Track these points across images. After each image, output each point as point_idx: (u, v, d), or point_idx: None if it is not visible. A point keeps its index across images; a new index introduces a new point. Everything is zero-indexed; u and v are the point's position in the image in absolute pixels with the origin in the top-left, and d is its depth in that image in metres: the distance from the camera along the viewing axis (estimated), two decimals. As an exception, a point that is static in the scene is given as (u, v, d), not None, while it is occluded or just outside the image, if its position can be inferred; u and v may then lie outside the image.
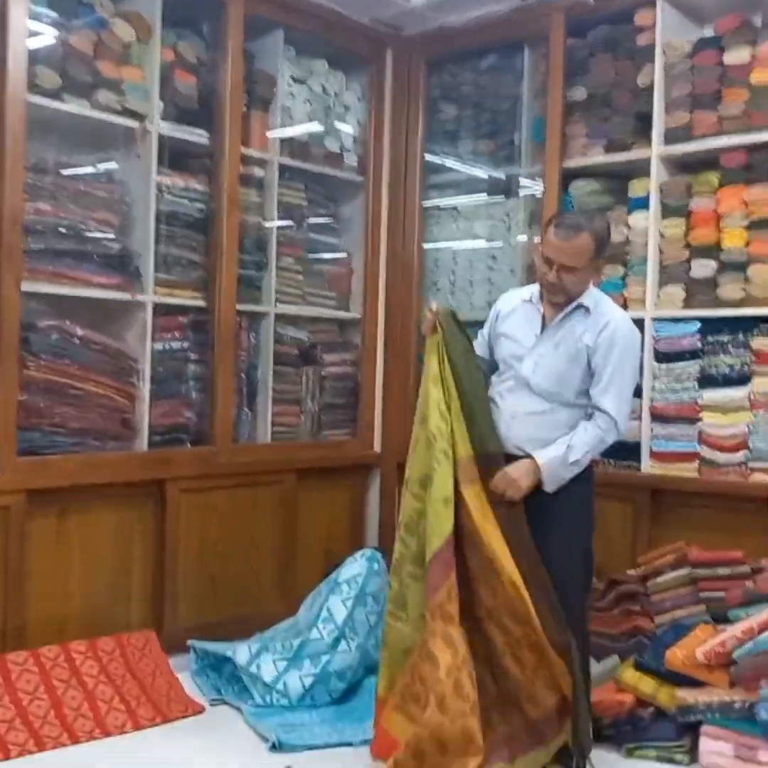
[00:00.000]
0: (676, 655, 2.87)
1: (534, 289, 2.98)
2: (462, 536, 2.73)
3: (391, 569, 2.95)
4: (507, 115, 4.31)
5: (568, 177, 3.98)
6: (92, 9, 3.44)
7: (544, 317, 2.91)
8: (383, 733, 2.80)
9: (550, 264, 2.82)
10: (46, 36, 3.31)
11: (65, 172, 3.44)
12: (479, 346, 3.08)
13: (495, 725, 2.67)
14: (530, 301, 2.96)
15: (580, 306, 2.88)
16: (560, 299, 2.87)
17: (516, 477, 2.75)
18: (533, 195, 4.22)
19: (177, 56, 3.72)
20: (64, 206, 3.39)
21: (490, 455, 2.83)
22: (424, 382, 2.90)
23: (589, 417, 2.83)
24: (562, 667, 2.63)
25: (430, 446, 2.79)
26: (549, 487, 2.77)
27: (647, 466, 3.66)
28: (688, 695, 2.79)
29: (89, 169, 3.55)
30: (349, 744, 2.96)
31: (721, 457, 3.49)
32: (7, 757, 2.76)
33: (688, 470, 3.57)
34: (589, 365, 2.83)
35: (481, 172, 4.44)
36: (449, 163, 4.51)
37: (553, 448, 2.77)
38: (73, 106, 3.36)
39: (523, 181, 4.28)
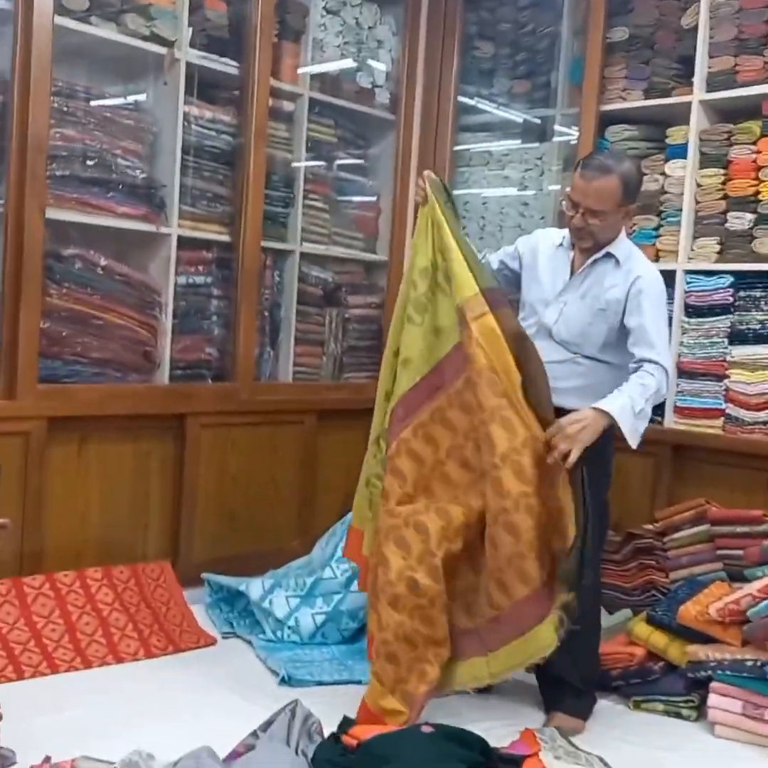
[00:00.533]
0: (689, 611, 2.85)
1: (566, 233, 2.89)
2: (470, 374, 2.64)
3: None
4: (545, 54, 4.21)
5: (606, 121, 3.87)
6: (123, -71, 3.36)
7: (573, 263, 2.84)
8: (371, 640, 2.76)
9: (576, 207, 2.73)
10: (76, -44, 3.24)
11: (92, 98, 3.38)
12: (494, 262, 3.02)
13: (464, 618, 2.65)
14: (561, 245, 2.89)
15: (609, 255, 2.80)
16: (588, 244, 2.79)
17: (575, 431, 2.53)
18: (568, 141, 4.12)
19: (208, -19, 3.63)
20: (89, 133, 3.34)
21: (494, 289, 2.71)
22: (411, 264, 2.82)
23: (634, 372, 2.68)
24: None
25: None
26: (633, 442, 2.61)
27: (671, 420, 3.61)
28: (699, 651, 2.78)
29: (116, 97, 3.50)
30: (359, 682, 2.96)
31: (746, 415, 3.43)
32: (21, 678, 2.80)
33: (712, 427, 3.52)
34: (621, 321, 2.74)
35: (515, 115, 4.34)
36: (483, 104, 4.41)
37: (615, 398, 2.59)
38: (100, 30, 3.29)
39: (558, 127, 4.18)
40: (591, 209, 2.71)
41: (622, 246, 2.83)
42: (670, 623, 2.90)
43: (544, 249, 2.92)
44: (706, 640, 2.81)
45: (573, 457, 2.50)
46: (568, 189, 2.85)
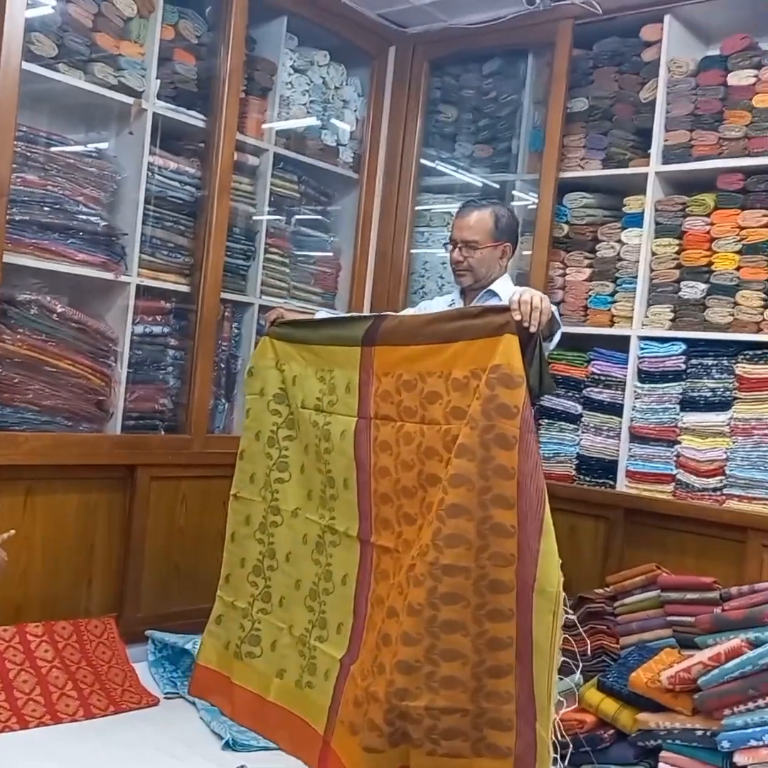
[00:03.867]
0: (640, 678, 2.84)
1: (455, 294, 3.13)
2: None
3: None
4: (506, 121, 4.28)
5: (564, 188, 3.96)
6: (94, -21, 3.37)
7: None
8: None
9: (455, 244, 2.98)
10: (45, 5, 3.24)
11: (56, 144, 3.36)
12: None
13: None
14: (452, 302, 3.10)
15: (491, 292, 2.97)
16: (469, 281, 2.99)
17: (530, 293, 2.39)
18: (526, 206, 4.19)
19: (177, 35, 3.65)
20: (52, 179, 3.31)
21: (371, 328, 2.76)
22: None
23: None
24: None
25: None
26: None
27: (623, 484, 3.65)
28: (649, 719, 2.76)
29: (81, 145, 3.48)
30: (305, 746, 2.89)
31: (696, 481, 3.47)
32: (-47, 739, 2.69)
33: (663, 492, 3.56)
34: None
35: (475, 179, 4.40)
36: (444, 166, 4.48)
37: None
38: (68, 76, 3.29)
39: (517, 192, 4.25)
40: (465, 240, 2.96)
41: (505, 284, 3.00)
42: (620, 690, 2.88)
43: (439, 306, 3.12)
44: (657, 707, 2.79)
45: (547, 302, 2.39)
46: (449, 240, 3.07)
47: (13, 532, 2.62)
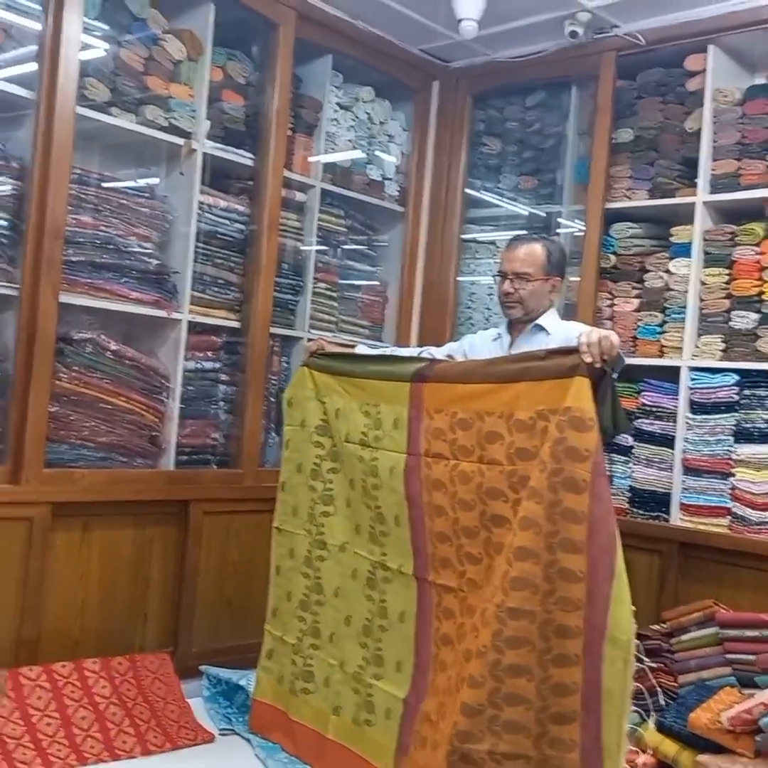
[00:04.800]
0: (699, 718, 2.79)
1: (501, 327, 3.10)
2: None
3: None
4: (550, 153, 4.29)
5: (610, 219, 3.95)
6: (145, 24, 3.44)
7: (509, 348, 3.01)
8: None
9: (504, 276, 2.97)
10: (98, 49, 3.32)
11: (108, 185, 3.43)
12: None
13: None
14: (498, 335, 3.08)
15: (538, 326, 2.96)
16: (518, 313, 2.97)
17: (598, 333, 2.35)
18: (572, 234, 4.20)
19: (226, 76, 3.72)
20: (105, 219, 3.38)
21: (424, 368, 2.77)
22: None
23: None
24: None
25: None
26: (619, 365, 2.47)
27: (677, 518, 3.60)
28: (710, 761, 2.72)
29: (132, 184, 3.55)
30: (360, 784, 2.88)
31: (753, 514, 3.42)
32: (13, 776, 2.72)
33: (718, 525, 3.51)
34: None
35: (521, 209, 4.42)
36: (489, 197, 4.49)
37: None
38: (120, 119, 3.37)
39: (563, 220, 4.25)
40: (517, 272, 2.94)
41: (552, 319, 2.99)
42: (680, 731, 2.84)
43: (484, 341, 3.12)
44: (718, 749, 2.75)
45: (616, 339, 2.33)
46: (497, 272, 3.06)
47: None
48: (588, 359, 2.31)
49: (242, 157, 3.76)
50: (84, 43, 3.19)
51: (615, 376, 2.44)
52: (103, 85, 3.31)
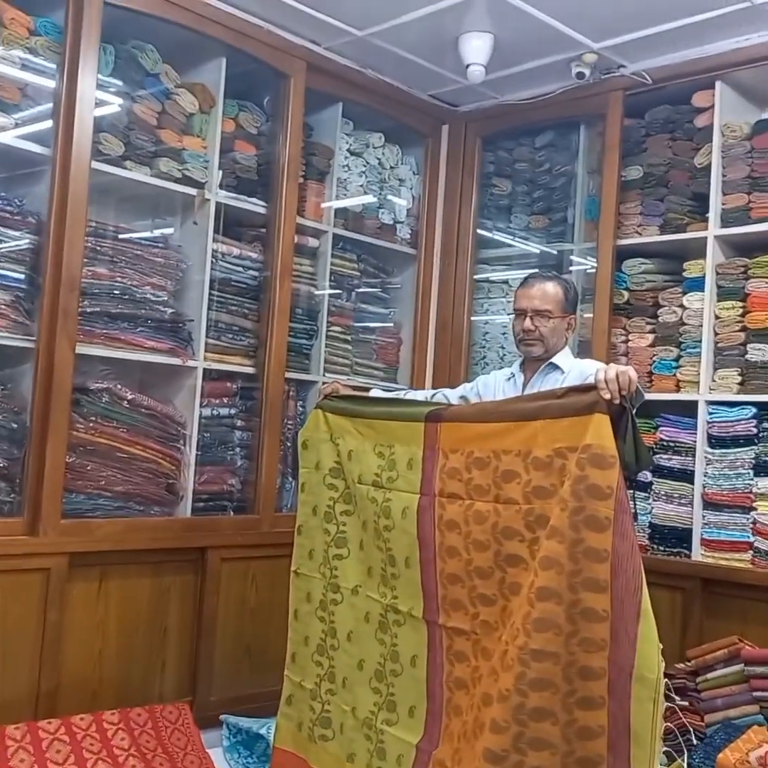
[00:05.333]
0: (728, 759, 2.73)
1: (515, 366, 3.10)
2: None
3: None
4: (561, 191, 4.32)
5: (622, 255, 3.96)
6: (157, 79, 3.52)
7: (523, 387, 3.00)
8: None
9: (523, 313, 2.95)
10: (112, 105, 3.39)
11: (123, 236, 3.49)
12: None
13: None
14: (512, 375, 3.07)
15: (553, 365, 2.96)
16: (539, 351, 2.96)
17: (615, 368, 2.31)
18: (584, 271, 4.21)
19: (237, 127, 3.79)
20: (120, 270, 3.44)
21: (439, 409, 2.76)
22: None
23: None
24: None
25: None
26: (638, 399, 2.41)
27: (698, 553, 3.56)
28: (740, 802, 2.66)
29: (147, 234, 3.60)
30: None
31: (776, 548, 3.38)
32: (33, 831, 2.70)
33: (740, 560, 3.47)
34: None
35: (532, 248, 4.44)
36: (501, 237, 4.52)
37: None
38: (134, 173, 3.43)
39: (575, 257, 4.27)
40: (537, 310, 2.93)
41: (566, 358, 2.99)
42: (708, 772, 2.79)
43: (497, 381, 3.12)
44: (748, 791, 2.69)
45: (633, 375, 2.28)
46: (513, 310, 3.05)
47: None
48: (606, 396, 2.28)
49: (255, 205, 3.81)
50: (98, 99, 3.26)
51: (634, 411, 2.42)
52: (118, 140, 3.38)
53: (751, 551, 3.45)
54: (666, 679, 2.21)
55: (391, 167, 4.36)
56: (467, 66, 3.76)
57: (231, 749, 3.37)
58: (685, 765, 2.90)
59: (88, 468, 3.28)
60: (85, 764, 2.91)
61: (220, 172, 3.67)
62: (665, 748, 3.01)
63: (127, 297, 3.44)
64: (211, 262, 3.63)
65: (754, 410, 3.51)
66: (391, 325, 4.48)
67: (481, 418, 2.61)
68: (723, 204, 3.70)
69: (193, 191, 3.59)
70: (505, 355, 4.36)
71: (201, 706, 3.44)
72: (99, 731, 3.01)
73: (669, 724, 3.08)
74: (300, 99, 3.83)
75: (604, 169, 3.98)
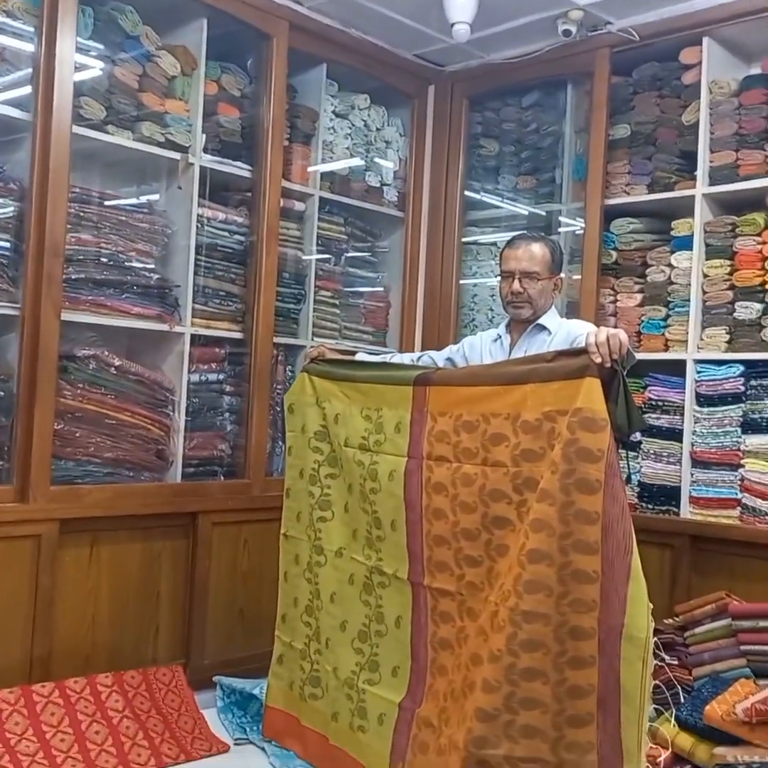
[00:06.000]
0: (715, 711, 2.77)
1: (501, 327, 3.08)
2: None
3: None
4: (548, 151, 4.29)
5: (610, 215, 3.94)
6: (138, 42, 3.47)
7: (510, 349, 2.99)
8: None
9: (511, 275, 2.93)
10: (92, 68, 3.35)
11: (107, 202, 3.46)
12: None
13: None
14: (498, 336, 3.06)
15: (540, 326, 2.94)
16: (527, 312, 2.94)
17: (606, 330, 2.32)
18: (573, 232, 4.19)
19: (220, 89, 3.74)
20: (105, 236, 3.41)
21: (427, 372, 2.77)
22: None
23: None
24: None
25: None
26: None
27: (687, 511, 3.58)
28: (727, 753, 2.69)
29: (131, 200, 3.57)
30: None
31: (763, 504, 3.39)
32: (29, 792, 2.73)
33: (728, 517, 3.49)
34: None
35: (521, 209, 4.41)
36: (489, 199, 4.50)
37: None
38: (116, 137, 3.39)
39: (563, 218, 4.25)
40: (525, 271, 2.90)
41: (553, 318, 2.97)
42: (696, 724, 2.82)
43: (483, 342, 3.10)
44: (735, 741, 2.72)
45: (624, 338, 2.31)
46: (500, 272, 3.03)
47: None
48: (597, 359, 2.29)
49: (239, 169, 3.78)
50: (78, 63, 3.21)
51: (625, 373, 2.42)
52: (99, 104, 3.34)
53: (739, 508, 3.47)
54: (655, 638, 2.24)
55: (377, 129, 4.32)
56: (452, 24, 3.71)
57: (225, 710, 3.40)
58: (672, 719, 2.94)
59: (77, 435, 3.28)
60: (79, 726, 2.94)
61: (204, 135, 3.63)
62: (655, 706, 3.06)
63: (112, 263, 3.42)
64: (197, 227, 3.61)
65: (741, 368, 3.52)
66: (380, 288, 4.46)
67: (471, 381, 2.61)
68: (711, 161, 3.68)
69: (176, 155, 3.56)
70: (493, 317, 4.35)
71: (195, 669, 3.47)
72: (93, 694, 3.03)
73: (657, 681, 3.12)
74: (283, 60, 3.78)
75: (592, 129, 3.95)
